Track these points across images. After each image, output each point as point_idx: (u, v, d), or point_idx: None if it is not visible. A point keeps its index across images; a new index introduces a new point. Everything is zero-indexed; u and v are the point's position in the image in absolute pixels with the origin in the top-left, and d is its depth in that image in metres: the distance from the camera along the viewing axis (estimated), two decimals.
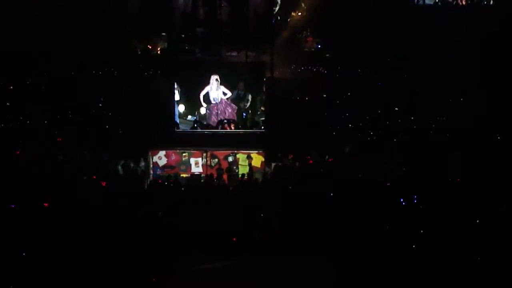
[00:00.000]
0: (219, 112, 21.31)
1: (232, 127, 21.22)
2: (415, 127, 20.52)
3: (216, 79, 21.12)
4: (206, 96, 21.19)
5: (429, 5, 24.32)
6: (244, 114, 21.29)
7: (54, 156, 17.86)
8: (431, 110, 21.04)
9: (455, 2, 24.21)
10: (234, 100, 21.31)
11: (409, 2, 24.18)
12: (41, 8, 23.68)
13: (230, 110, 21.36)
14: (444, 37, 22.79)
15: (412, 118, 20.95)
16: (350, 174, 16.77)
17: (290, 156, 19.39)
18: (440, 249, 12.25)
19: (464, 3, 24.16)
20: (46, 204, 13.92)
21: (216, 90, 21.18)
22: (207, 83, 21.10)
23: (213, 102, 21.18)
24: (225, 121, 21.23)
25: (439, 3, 24.28)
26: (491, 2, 24.09)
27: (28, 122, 20.25)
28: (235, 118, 21.30)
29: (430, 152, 17.97)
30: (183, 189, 17.58)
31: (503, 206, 13.90)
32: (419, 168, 16.58)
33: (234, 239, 13.27)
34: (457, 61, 22.44)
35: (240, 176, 19.32)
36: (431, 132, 20.10)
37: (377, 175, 16.14)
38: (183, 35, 23.44)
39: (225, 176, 19.30)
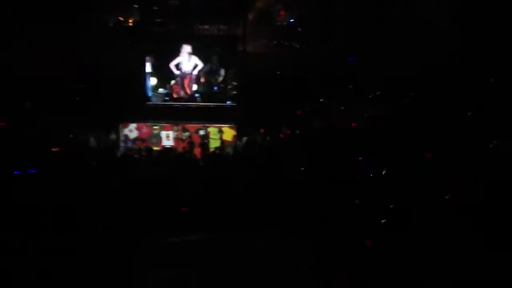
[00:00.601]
0: (190, 85, 21.26)
1: (203, 101, 21.20)
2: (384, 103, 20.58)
3: (188, 51, 21.04)
4: (178, 68, 21.13)
5: None
6: (215, 88, 21.26)
7: (27, 128, 17.74)
8: (403, 86, 21.07)
9: None
10: (207, 73, 21.27)
11: None
12: None
13: (201, 83, 21.32)
14: (419, 12, 22.73)
15: (380, 92, 20.95)
16: (321, 148, 16.85)
17: (262, 131, 19.43)
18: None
19: None
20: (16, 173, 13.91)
21: (187, 61, 21.11)
22: (179, 54, 21.03)
23: (184, 73, 21.11)
24: (196, 94, 21.19)
25: None
26: None
27: None
28: (207, 91, 21.27)
29: (401, 129, 18.09)
30: (154, 162, 17.57)
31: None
32: (390, 143, 16.64)
33: (202, 212, 13.32)
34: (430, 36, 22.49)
35: (211, 149, 19.35)
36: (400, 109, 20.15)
37: (347, 150, 16.23)
38: (155, 7, 23.29)
39: (197, 150, 19.29)
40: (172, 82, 21.21)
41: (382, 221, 12.56)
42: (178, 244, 12.29)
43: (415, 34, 21.85)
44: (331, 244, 11.99)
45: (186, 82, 21.19)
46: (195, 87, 21.26)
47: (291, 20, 24.78)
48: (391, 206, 13.03)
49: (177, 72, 21.10)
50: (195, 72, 21.17)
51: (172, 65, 21.06)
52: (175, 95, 21.24)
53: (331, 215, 12.82)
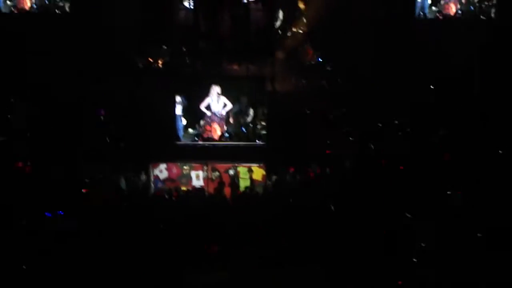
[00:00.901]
0: (220, 125, 21.37)
1: (233, 140, 21.28)
2: (416, 140, 20.56)
3: (217, 91, 21.20)
4: (208, 108, 21.29)
5: (431, 19, 24.32)
6: (243, 128, 21.37)
7: (56, 168, 17.92)
8: (433, 123, 21.10)
9: (456, 15, 24.20)
10: (236, 113, 21.38)
11: (411, 15, 24.15)
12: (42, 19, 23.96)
13: (231, 123, 21.43)
14: (446, 50, 22.84)
15: (412, 131, 20.98)
16: (351, 187, 16.83)
17: (291, 169, 19.41)
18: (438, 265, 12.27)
19: (462, 15, 24.19)
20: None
21: (217, 102, 21.26)
22: (208, 95, 21.19)
23: (214, 114, 21.26)
24: (226, 134, 21.30)
25: (440, 17, 24.28)
26: (492, 15, 24.08)
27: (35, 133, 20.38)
28: (236, 131, 21.38)
29: (433, 165, 18.04)
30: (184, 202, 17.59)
31: None
32: (418, 182, 16.60)
33: (235, 251, 13.30)
34: (459, 73, 22.59)
35: (241, 189, 19.34)
36: (432, 145, 20.15)
37: (376, 188, 16.18)
38: (184, 48, 23.55)
39: (227, 190, 19.29)
40: (202, 122, 21.33)
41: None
42: (210, 282, 12.28)
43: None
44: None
45: (215, 122, 21.29)
46: (224, 127, 21.34)
47: (319, 59, 24.90)
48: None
49: (207, 112, 21.22)
50: (224, 112, 21.26)
51: (202, 106, 21.20)
52: (204, 135, 21.33)
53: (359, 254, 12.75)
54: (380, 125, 21.53)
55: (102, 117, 21.79)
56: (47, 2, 24.33)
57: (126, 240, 13.32)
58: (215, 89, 21.15)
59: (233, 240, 13.68)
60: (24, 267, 11.96)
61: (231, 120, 21.49)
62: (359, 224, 13.65)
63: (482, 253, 12.54)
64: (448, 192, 15.79)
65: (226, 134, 21.33)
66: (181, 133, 21.37)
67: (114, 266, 12.28)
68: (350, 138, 21.07)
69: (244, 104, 21.45)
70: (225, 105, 21.25)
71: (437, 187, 16.16)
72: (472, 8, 24.16)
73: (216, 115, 21.28)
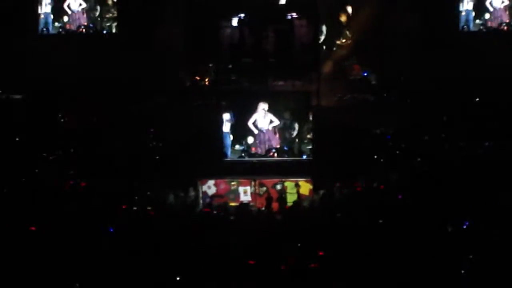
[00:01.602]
0: (266, 140, 21.54)
1: (280, 156, 21.44)
2: (464, 154, 20.46)
3: (263, 108, 21.39)
4: (255, 125, 21.48)
5: (474, 31, 24.26)
6: (285, 148, 21.51)
7: (106, 186, 18.23)
8: (481, 138, 21.00)
9: (500, 27, 24.11)
10: (281, 129, 21.55)
11: (456, 29, 24.11)
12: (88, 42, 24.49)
13: (276, 139, 21.59)
14: (492, 63, 22.73)
15: (461, 145, 20.89)
16: (399, 202, 16.82)
17: (338, 184, 19.46)
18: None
19: (506, 28, 24.08)
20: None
21: (263, 118, 21.45)
22: (255, 111, 21.40)
23: (260, 130, 21.45)
24: (273, 149, 21.46)
25: (484, 30, 24.21)
26: None
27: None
28: (282, 147, 21.54)
29: (481, 179, 17.93)
30: (232, 218, 17.72)
31: None
32: (469, 195, 16.49)
33: (283, 267, 13.36)
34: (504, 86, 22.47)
35: (288, 204, 19.44)
36: (480, 159, 20.03)
37: (425, 201, 16.13)
38: (230, 66, 23.80)
39: (275, 205, 19.41)
40: (249, 138, 21.53)
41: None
42: None
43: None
44: None
45: (261, 138, 21.49)
46: (270, 142, 21.51)
47: (364, 74, 24.96)
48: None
49: (255, 130, 21.43)
50: (271, 128, 21.44)
51: (250, 123, 21.41)
52: (251, 151, 21.54)
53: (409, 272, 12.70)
54: (427, 138, 21.52)
55: (151, 135, 22.15)
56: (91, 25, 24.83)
57: (175, 258, 13.44)
58: (262, 106, 21.35)
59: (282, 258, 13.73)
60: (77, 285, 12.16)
61: (277, 136, 21.64)
62: (406, 239, 13.61)
63: None
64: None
65: (273, 150, 21.47)
66: (228, 149, 21.60)
67: (163, 283, 12.42)
68: (397, 152, 21.10)
69: (290, 119, 21.61)
70: (271, 122, 21.43)
71: (486, 199, 16.03)
72: None
73: (263, 131, 21.47)
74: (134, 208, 17.02)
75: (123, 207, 16.80)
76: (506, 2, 24.09)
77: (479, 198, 15.97)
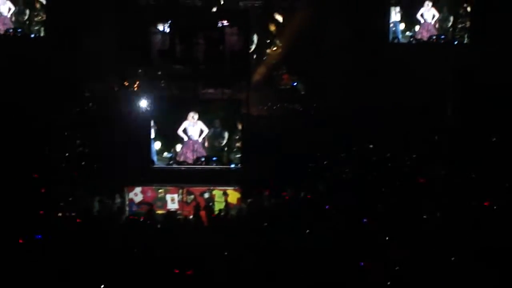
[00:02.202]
0: (195, 148, 21.42)
1: (208, 164, 21.34)
2: (389, 164, 20.78)
3: (193, 116, 21.26)
4: (184, 132, 21.35)
5: (404, 43, 24.70)
6: (214, 158, 21.43)
7: (30, 191, 17.83)
8: (408, 148, 21.41)
9: (430, 39, 24.59)
10: (210, 137, 21.46)
11: (385, 40, 24.48)
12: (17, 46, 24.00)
13: (205, 147, 21.49)
14: (419, 75, 23.16)
15: (388, 156, 21.23)
16: (325, 210, 16.91)
17: (266, 193, 19.47)
18: None
19: (436, 41, 24.57)
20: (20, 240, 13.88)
21: (193, 126, 21.32)
22: (185, 119, 21.26)
23: (190, 138, 21.32)
24: (202, 157, 21.35)
25: (413, 41, 24.66)
26: (466, 41, 24.48)
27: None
28: (211, 155, 21.44)
29: (405, 187, 18.24)
30: (159, 226, 17.53)
31: None
32: (394, 205, 16.72)
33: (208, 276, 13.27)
34: (432, 98, 22.97)
35: (216, 212, 19.34)
36: (407, 170, 20.41)
37: (353, 212, 16.27)
38: (160, 72, 23.63)
39: (202, 213, 19.28)
40: (177, 146, 21.37)
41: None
42: None
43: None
44: None
45: (190, 146, 21.36)
46: (199, 150, 21.40)
47: (294, 84, 25.14)
48: None
49: (185, 137, 21.28)
50: (201, 138, 21.35)
51: (179, 131, 21.25)
52: (180, 159, 21.38)
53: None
54: (355, 149, 21.77)
55: (77, 140, 21.80)
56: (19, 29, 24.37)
57: (100, 264, 13.23)
58: (191, 113, 21.22)
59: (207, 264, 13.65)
60: None
61: (206, 144, 21.55)
62: (334, 252, 13.68)
63: None
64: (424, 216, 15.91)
65: (202, 158, 21.36)
66: (156, 156, 21.39)
67: None
68: (325, 162, 21.27)
69: (219, 127, 21.54)
70: (202, 131, 21.32)
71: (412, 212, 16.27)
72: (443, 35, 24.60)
73: (192, 139, 21.34)
74: (59, 214, 16.65)
75: (41, 212, 16.51)
76: (437, 15, 24.55)
77: (405, 209, 16.21)
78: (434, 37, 24.59)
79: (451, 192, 17.48)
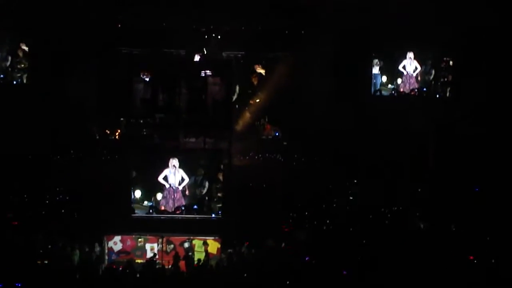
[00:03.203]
0: (175, 197, 21.31)
1: (188, 213, 21.22)
2: (371, 216, 20.82)
3: (174, 164, 21.20)
4: (165, 179, 21.25)
5: (386, 96, 24.95)
6: (195, 206, 21.33)
7: (8, 239, 17.68)
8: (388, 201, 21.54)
9: (412, 92, 24.85)
10: (191, 186, 21.38)
11: (367, 92, 24.71)
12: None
13: (186, 196, 21.39)
14: (400, 128, 23.39)
15: (370, 205, 21.34)
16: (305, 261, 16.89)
17: (246, 243, 19.38)
18: None
19: (417, 94, 24.83)
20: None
21: (173, 174, 21.24)
22: (166, 166, 21.18)
23: (170, 186, 21.22)
24: (182, 207, 21.25)
25: (395, 94, 24.90)
26: (447, 94, 24.77)
27: None
28: (191, 204, 21.35)
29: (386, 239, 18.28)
30: (138, 275, 17.35)
31: None
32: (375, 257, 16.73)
33: None
34: (413, 151, 23.19)
35: (196, 262, 19.19)
36: (386, 221, 20.49)
37: (333, 263, 16.24)
38: (141, 120, 23.62)
39: (182, 263, 19.12)
40: (158, 195, 21.25)
41: None
42: None
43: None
44: None
45: (171, 195, 21.25)
46: (180, 200, 21.30)
47: (276, 134, 25.24)
48: None
49: (166, 184, 21.19)
50: (181, 186, 21.26)
51: (160, 178, 21.16)
52: (160, 208, 21.24)
53: None
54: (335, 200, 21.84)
55: (57, 188, 21.69)
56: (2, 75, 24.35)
57: None
58: (172, 162, 21.16)
59: None
60: None
61: (187, 192, 21.46)
62: None
63: None
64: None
65: (182, 207, 21.25)
66: (136, 205, 21.24)
67: None
68: (306, 213, 21.28)
69: (200, 176, 21.46)
70: (182, 179, 21.25)
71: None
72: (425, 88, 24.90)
73: (172, 188, 21.25)
74: (38, 262, 16.47)
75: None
76: (419, 68, 24.86)
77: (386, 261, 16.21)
78: (416, 90, 24.83)
79: (432, 245, 17.48)
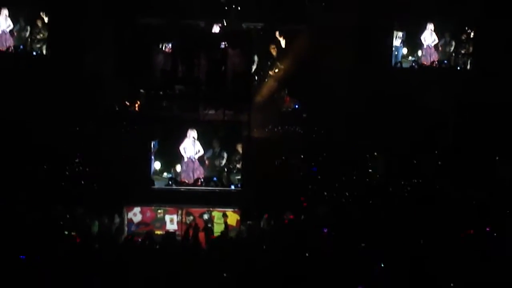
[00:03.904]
0: (194, 169, 21.33)
1: (208, 185, 21.23)
2: (390, 189, 20.73)
3: (193, 136, 21.19)
4: (184, 151, 21.26)
5: (406, 68, 24.74)
6: (214, 178, 21.32)
7: (29, 211, 17.76)
8: (408, 174, 21.40)
9: (433, 65, 24.64)
10: (210, 157, 21.37)
11: (387, 65, 24.52)
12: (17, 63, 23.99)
13: (205, 168, 21.40)
14: (420, 100, 23.20)
15: (389, 181, 21.23)
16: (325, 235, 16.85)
17: (265, 216, 19.38)
18: None
19: (438, 65, 24.63)
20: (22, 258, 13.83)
21: (192, 146, 21.24)
22: (185, 138, 21.18)
23: (189, 158, 21.24)
24: (201, 179, 21.26)
25: (416, 66, 24.70)
26: (468, 67, 24.55)
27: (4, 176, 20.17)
28: (210, 176, 21.36)
29: (405, 214, 18.19)
30: (157, 247, 17.41)
31: None
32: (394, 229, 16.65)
33: None
34: (433, 125, 23.02)
35: (215, 234, 19.23)
36: (406, 194, 20.38)
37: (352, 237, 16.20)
38: (161, 92, 23.59)
39: (201, 234, 19.16)
40: (177, 166, 21.28)
41: None
42: None
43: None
44: None
45: (190, 167, 21.27)
46: (198, 171, 21.32)
47: (296, 106, 25.12)
48: None
49: (184, 156, 21.20)
50: (200, 158, 21.26)
51: (181, 148, 21.16)
52: (179, 180, 21.27)
53: None
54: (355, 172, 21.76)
55: (77, 160, 21.75)
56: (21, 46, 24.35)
57: (97, 284, 13.17)
58: (191, 134, 21.15)
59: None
60: None
61: (206, 165, 21.46)
62: (332, 273, 13.62)
63: None
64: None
65: (201, 179, 21.28)
66: (155, 177, 21.28)
67: None
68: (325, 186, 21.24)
69: (220, 148, 21.45)
70: (199, 151, 21.24)
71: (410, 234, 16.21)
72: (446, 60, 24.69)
73: (192, 160, 21.27)
74: (57, 234, 16.56)
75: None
76: (437, 41, 24.61)
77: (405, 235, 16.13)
78: (437, 62, 24.61)
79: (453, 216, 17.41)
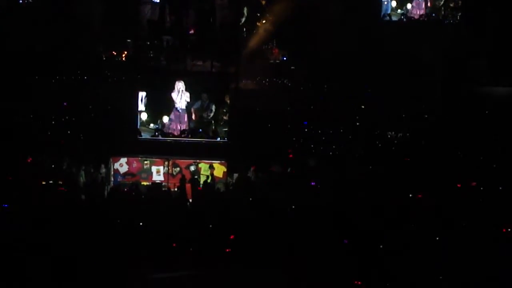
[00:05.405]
0: (182, 120, 21.21)
1: (194, 137, 21.15)
2: (377, 142, 20.75)
3: (180, 87, 21.02)
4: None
5: (395, 21, 24.59)
6: (200, 130, 21.21)
7: (14, 159, 17.70)
8: (395, 126, 21.41)
9: (421, 18, 24.52)
10: (198, 109, 21.24)
11: (376, 17, 24.36)
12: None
13: (192, 119, 21.28)
14: (409, 53, 23.13)
15: (376, 133, 21.24)
16: (312, 187, 16.89)
17: (253, 167, 19.38)
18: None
19: (426, 19, 24.52)
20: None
21: (180, 97, 21.09)
22: (172, 89, 21.02)
23: (176, 109, 21.10)
24: (187, 130, 21.15)
25: (404, 19, 24.56)
26: (457, 20, 24.42)
27: None
28: (197, 128, 21.26)
29: (392, 165, 18.24)
30: (143, 197, 17.43)
31: None
32: (378, 182, 16.70)
33: (192, 248, 13.23)
34: (421, 77, 22.96)
35: (201, 185, 19.24)
36: (393, 147, 20.41)
37: (338, 187, 16.26)
38: (148, 42, 23.40)
39: (188, 186, 19.17)
40: (164, 117, 21.12)
41: None
42: (166, 280, 12.20)
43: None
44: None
45: (177, 118, 21.15)
46: (185, 123, 21.20)
47: (283, 58, 24.97)
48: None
49: (178, 105, 21.06)
50: (187, 109, 21.13)
51: (173, 95, 21.00)
52: (166, 131, 21.16)
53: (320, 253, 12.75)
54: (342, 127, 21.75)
55: (63, 109, 21.61)
56: None
57: (83, 234, 13.17)
58: (179, 85, 20.98)
59: (192, 237, 13.61)
60: None
61: (193, 116, 21.34)
62: (319, 225, 13.66)
63: None
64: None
65: (188, 130, 21.17)
66: (142, 128, 21.16)
67: (72, 261, 12.15)
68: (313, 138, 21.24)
69: (207, 100, 21.31)
70: (186, 102, 21.10)
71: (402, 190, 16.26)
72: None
73: (179, 111, 21.13)
74: (44, 183, 16.55)
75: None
76: None
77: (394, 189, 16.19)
78: (425, 16, 24.50)
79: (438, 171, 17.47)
